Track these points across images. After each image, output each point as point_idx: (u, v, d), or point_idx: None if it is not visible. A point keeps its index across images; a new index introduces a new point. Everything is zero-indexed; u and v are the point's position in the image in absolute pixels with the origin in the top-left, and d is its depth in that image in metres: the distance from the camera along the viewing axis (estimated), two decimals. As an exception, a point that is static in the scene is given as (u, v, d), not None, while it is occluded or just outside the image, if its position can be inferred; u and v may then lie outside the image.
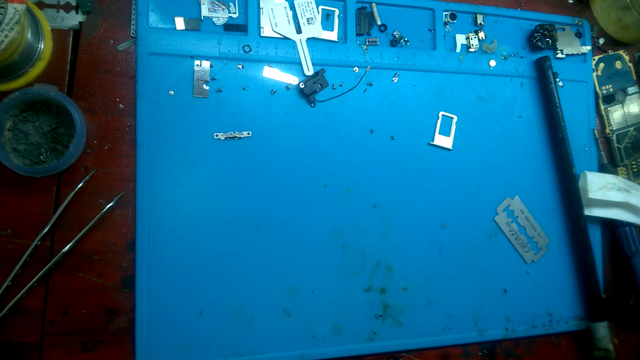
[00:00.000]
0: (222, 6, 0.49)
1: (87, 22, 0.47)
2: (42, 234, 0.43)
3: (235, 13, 0.50)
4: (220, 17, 0.49)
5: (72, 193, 0.44)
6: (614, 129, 0.62)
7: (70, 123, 0.43)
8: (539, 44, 0.58)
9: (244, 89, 0.49)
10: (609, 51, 0.63)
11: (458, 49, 0.56)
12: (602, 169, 0.61)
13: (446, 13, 0.56)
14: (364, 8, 0.53)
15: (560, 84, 0.59)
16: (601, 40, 0.63)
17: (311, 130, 0.51)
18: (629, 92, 0.63)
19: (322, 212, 0.51)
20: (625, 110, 0.63)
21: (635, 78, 0.63)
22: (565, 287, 0.59)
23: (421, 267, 0.53)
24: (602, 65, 0.62)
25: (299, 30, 0.51)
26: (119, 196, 0.46)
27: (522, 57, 0.59)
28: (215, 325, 0.47)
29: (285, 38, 0.50)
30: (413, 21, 0.55)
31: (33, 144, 0.44)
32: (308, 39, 0.51)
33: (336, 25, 0.52)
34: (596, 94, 0.62)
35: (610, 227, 0.61)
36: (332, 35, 0.52)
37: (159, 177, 0.46)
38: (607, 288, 0.61)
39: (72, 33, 0.46)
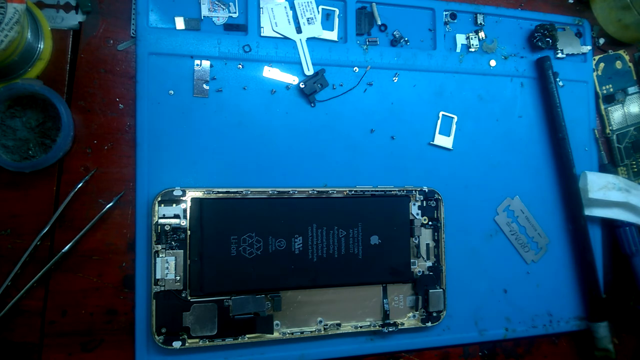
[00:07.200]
0: (222, 6, 0.49)
1: (87, 22, 0.47)
2: (42, 234, 0.43)
3: (235, 13, 0.50)
4: (220, 17, 0.49)
5: (72, 193, 0.44)
6: (614, 129, 0.62)
7: (57, 117, 0.43)
8: (539, 44, 0.58)
9: (244, 88, 0.49)
10: (609, 51, 0.63)
11: (458, 49, 0.56)
12: (602, 169, 0.61)
13: (446, 13, 0.56)
14: (364, 8, 0.53)
15: (561, 83, 0.59)
16: (601, 40, 0.63)
17: (311, 130, 0.51)
18: (629, 92, 0.63)
19: (322, 212, 0.51)
20: (626, 110, 0.63)
21: (635, 78, 0.63)
22: (565, 287, 0.59)
23: (421, 267, 0.53)
24: (602, 65, 0.62)
25: (299, 30, 0.51)
26: (118, 196, 0.46)
27: (522, 57, 0.59)
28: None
29: (285, 38, 0.50)
30: (413, 21, 0.55)
31: (21, 140, 0.43)
32: (308, 39, 0.51)
33: (336, 25, 0.52)
34: (596, 94, 0.62)
35: (610, 227, 0.61)
36: (332, 35, 0.52)
37: (159, 177, 0.46)
38: (607, 288, 0.61)
39: (72, 33, 0.46)
